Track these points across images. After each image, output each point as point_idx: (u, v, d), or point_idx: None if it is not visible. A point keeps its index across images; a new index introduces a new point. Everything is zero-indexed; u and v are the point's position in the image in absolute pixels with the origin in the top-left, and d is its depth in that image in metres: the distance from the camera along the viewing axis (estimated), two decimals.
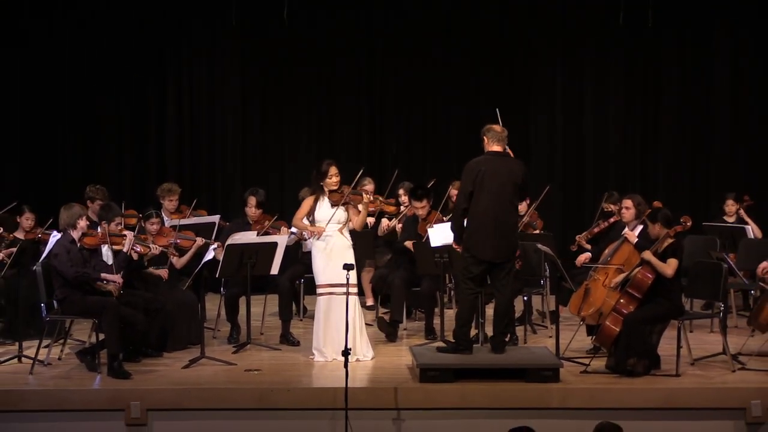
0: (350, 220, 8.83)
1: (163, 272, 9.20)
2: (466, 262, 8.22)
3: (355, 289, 8.69)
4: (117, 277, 8.44)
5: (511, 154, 8.38)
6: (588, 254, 9.27)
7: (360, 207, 8.84)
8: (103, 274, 8.41)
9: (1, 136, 12.93)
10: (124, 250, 8.59)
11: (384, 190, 10.80)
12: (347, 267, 8.07)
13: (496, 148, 8.26)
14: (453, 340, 8.36)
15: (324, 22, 13.15)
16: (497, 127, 8.34)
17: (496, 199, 8.11)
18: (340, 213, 8.78)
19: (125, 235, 8.65)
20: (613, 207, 10.13)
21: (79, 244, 8.46)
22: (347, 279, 8.08)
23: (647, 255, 8.14)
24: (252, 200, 9.93)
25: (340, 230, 8.78)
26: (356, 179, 9.06)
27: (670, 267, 8.10)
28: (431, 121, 13.32)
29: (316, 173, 8.89)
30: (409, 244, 9.73)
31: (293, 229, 10.23)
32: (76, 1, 12.98)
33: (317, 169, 8.88)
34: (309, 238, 10.40)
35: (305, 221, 8.87)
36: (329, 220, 8.72)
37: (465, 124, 12.98)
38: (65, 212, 8.55)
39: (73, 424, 7.76)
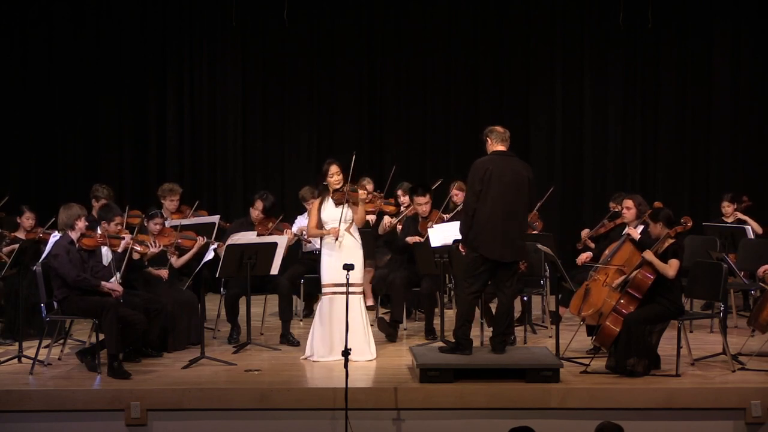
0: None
1: (164, 272, 9.20)
2: (471, 261, 8.17)
3: (359, 288, 8.71)
4: (117, 286, 8.43)
5: None
6: (589, 253, 9.26)
7: (357, 203, 8.80)
8: (103, 283, 8.39)
9: (1, 136, 12.94)
10: (119, 250, 8.60)
11: (383, 189, 10.79)
12: (347, 267, 8.07)
13: (501, 147, 8.23)
14: (453, 340, 8.34)
15: (324, 23, 13.18)
16: (499, 128, 8.29)
17: (503, 199, 8.07)
18: (347, 212, 8.78)
19: (123, 238, 8.66)
20: (620, 207, 10.12)
21: (77, 245, 8.45)
22: (347, 279, 8.07)
23: (648, 255, 8.14)
24: (259, 204, 9.93)
25: (347, 229, 8.77)
26: (350, 171, 8.90)
27: (671, 268, 8.09)
28: (431, 121, 13.33)
29: (320, 174, 8.90)
30: (411, 239, 9.70)
31: (294, 229, 10.24)
32: (77, 1, 12.99)
33: (321, 170, 8.89)
34: (309, 238, 10.43)
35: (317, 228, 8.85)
36: (340, 220, 8.71)
37: (465, 124, 13.01)
38: (64, 212, 8.54)
39: (73, 425, 7.75)
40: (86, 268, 8.41)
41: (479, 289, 8.25)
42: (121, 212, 8.92)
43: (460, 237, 8.39)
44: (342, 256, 8.58)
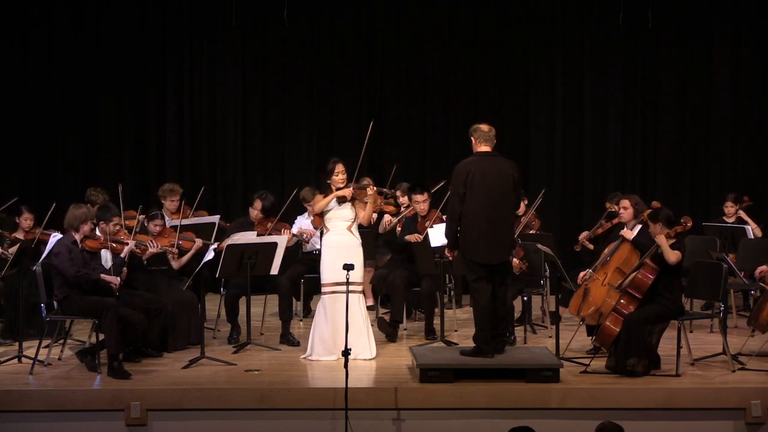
0: (357, 216, 8.84)
1: (175, 254, 9.27)
2: (469, 266, 8.13)
3: (359, 287, 8.71)
4: (115, 279, 8.44)
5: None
6: (589, 270, 9.04)
7: (366, 201, 8.82)
8: (102, 275, 8.41)
9: (1, 136, 12.93)
10: (122, 255, 8.61)
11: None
12: (347, 267, 8.06)
13: (485, 148, 8.17)
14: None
15: (324, 23, 13.17)
16: (484, 127, 8.22)
17: (488, 200, 8.00)
18: (348, 211, 8.78)
19: (127, 243, 8.66)
20: (616, 207, 10.12)
21: (80, 246, 8.45)
22: (347, 278, 8.06)
23: (661, 239, 8.10)
24: (258, 204, 9.93)
25: (349, 228, 8.78)
26: (356, 172, 8.98)
27: (674, 254, 8.06)
28: (431, 121, 13.32)
29: (324, 172, 8.90)
30: (411, 237, 9.70)
31: (294, 230, 10.24)
32: (77, 1, 12.99)
33: (325, 169, 8.89)
34: (308, 239, 10.45)
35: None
36: (349, 220, 8.74)
37: (465, 124, 12.95)
38: (71, 212, 8.53)
39: (73, 425, 7.76)
40: (88, 268, 8.40)
41: (487, 291, 8.14)
42: (118, 212, 8.92)
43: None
44: (342, 255, 8.57)
